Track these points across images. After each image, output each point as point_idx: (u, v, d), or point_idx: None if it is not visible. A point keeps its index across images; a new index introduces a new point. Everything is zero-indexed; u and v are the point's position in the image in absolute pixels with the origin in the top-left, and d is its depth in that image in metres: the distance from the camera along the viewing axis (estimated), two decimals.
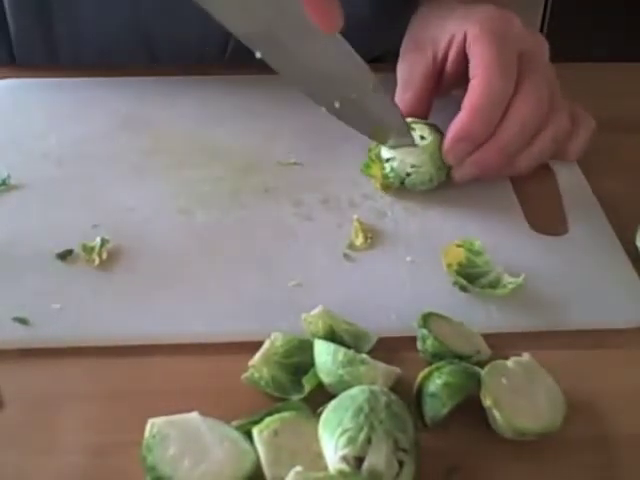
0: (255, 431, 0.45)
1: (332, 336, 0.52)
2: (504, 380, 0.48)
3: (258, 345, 0.51)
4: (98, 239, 0.59)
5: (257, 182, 0.66)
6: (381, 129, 0.62)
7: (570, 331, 0.55)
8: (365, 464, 0.43)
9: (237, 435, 0.46)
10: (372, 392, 0.45)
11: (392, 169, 0.64)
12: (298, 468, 0.43)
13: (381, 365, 0.49)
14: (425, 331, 0.51)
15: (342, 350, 0.49)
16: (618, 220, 0.63)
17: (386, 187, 0.65)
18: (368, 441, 0.43)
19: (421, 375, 0.49)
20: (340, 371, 0.48)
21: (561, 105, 0.64)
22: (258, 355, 0.50)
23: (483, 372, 0.49)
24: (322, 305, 0.53)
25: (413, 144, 0.63)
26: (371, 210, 0.64)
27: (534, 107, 0.62)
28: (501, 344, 0.53)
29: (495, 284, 0.56)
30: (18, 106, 0.75)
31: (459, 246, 0.58)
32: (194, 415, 0.46)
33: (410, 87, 0.66)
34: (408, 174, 0.63)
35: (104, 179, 0.66)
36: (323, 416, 0.45)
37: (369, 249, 0.60)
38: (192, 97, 0.76)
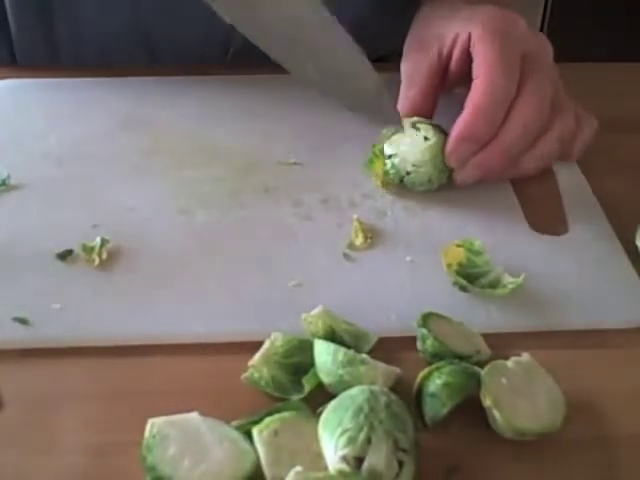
0: (255, 431, 0.45)
1: (332, 336, 0.52)
2: (504, 380, 0.48)
3: (258, 345, 0.51)
4: (98, 239, 0.59)
5: (257, 182, 0.66)
6: (359, 95, 0.62)
7: (570, 331, 0.55)
8: (365, 464, 0.43)
9: (237, 435, 0.46)
10: (372, 392, 0.45)
11: (393, 165, 0.64)
12: (298, 468, 0.43)
13: (381, 365, 0.49)
14: (425, 331, 0.51)
15: (342, 350, 0.49)
16: (618, 220, 0.63)
17: (386, 184, 0.65)
18: (368, 441, 0.43)
19: (421, 375, 0.49)
20: (340, 371, 0.48)
21: (566, 105, 0.64)
22: (258, 355, 0.50)
23: (483, 372, 0.49)
24: (322, 305, 0.53)
25: (395, 115, 0.63)
26: (371, 210, 0.64)
27: (536, 108, 0.61)
28: (501, 344, 0.53)
29: (495, 284, 0.56)
30: (18, 106, 0.75)
31: (459, 246, 0.58)
32: (194, 415, 0.46)
33: (415, 84, 0.66)
34: (408, 172, 0.63)
35: (104, 179, 0.66)
36: (323, 416, 0.45)
37: (369, 249, 0.60)
38: (192, 97, 0.76)
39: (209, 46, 0.81)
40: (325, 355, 0.49)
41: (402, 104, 0.66)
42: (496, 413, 0.47)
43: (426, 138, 0.63)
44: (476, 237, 0.59)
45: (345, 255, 0.59)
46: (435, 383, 0.48)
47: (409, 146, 0.63)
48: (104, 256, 0.58)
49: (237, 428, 0.46)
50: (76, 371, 0.51)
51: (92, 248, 0.58)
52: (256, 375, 0.50)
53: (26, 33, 0.80)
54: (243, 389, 0.50)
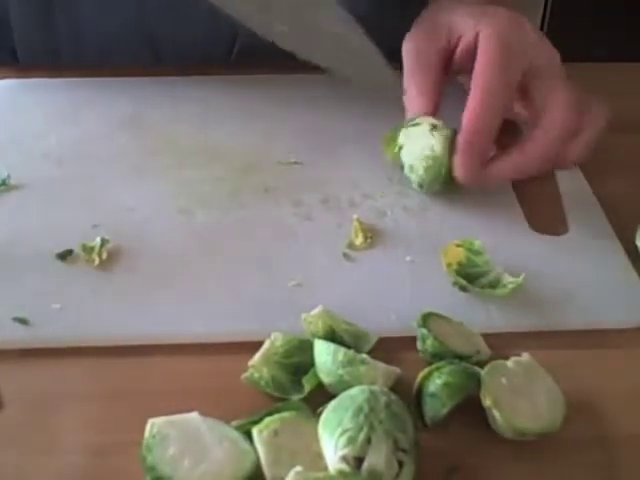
0: (255, 431, 0.45)
1: (332, 336, 0.52)
2: (504, 380, 0.48)
3: (258, 345, 0.51)
4: (98, 239, 0.59)
5: (257, 182, 0.66)
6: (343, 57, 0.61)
7: (570, 331, 0.55)
8: (365, 464, 0.43)
9: (237, 435, 0.46)
10: (372, 392, 0.45)
11: (399, 150, 0.64)
12: (298, 468, 0.43)
13: (381, 365, 0.49)
14: (425, 331, 0.51)
15: (342, 350, 0.49)
16: (618, 220, 0.63)
17: (395, 163, 0.66)
18: (368, 441, 0.43)
19: (421, 375, 0.49)
20: (340, 371, 0.48)
21: (593, 104, 0.64)
22: (258, 355, 0.50)
23: (483, 372, 0.49)
24: (322, 305, 0.53)
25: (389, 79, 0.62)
26: (371, 210, 0.64)
27: (566, 109, 0.61)
28: (501, 344, 0.53)
29: (495, 284, 0.56)
30: (18, 106, 0.75)
31: (459, 246, 0.58)
32: (194, 415, 0.46)
33: (424, 62, 0.66)
34: (405, 168, 0.64)
35: (104, 179, 0.66)
36: (323, 416, 0.45)
37: (369, 249, 0.60)
38: (192, 97, 0.76)
39: (213, 46, 0.81)
40: (325, 355, 0.49)
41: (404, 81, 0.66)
42: (496, 413, 0.47)
43: (432, 150, 0.62)
44: (476, 237, 0.59)
45: (345, 255, 0.59)
46: (435, 383, 0.48)
47: (414, 147, 0.63)
48: (104, 256, 0.58)
49: (237, 428, 0.46)
50: (76, 371, 0.51)
51: (92, 248, 0.58)
52: (256, 375, 0.50)
53: (27, 33, 0.80)
54: (243, 389, 0.50)
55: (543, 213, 0.64)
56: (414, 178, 0.64)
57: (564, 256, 0.60)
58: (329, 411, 0.45)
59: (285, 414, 0.46)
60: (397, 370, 0.50)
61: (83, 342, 0.53)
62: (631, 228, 0.61)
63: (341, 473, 0.43)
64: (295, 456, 0.44)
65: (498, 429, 0.48)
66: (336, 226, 0.62)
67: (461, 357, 0.50)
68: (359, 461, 0.43)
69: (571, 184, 0.67)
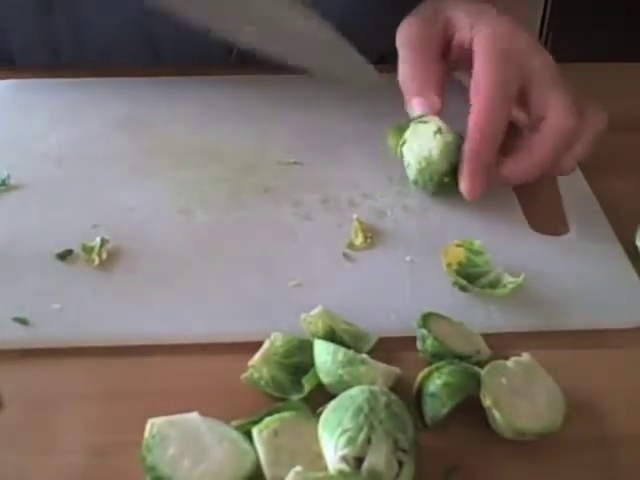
0: (255, 431, 0.45)
1: (332, 336, 0.52)
2: (504, 380, 0.48)
3: (258, 345, 0.51)
4: (98, 239, 0.59)
5: (257, 182, 0.66)
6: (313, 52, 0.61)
7: (570, 331, 0.55)
8: (365, 464, 0.43)
9: (237, 435, 0.46)
10: (372, 392, 0.45)
11: (403, 144, 0.64)
12: (298, 468, 0.43)
13: (381, 365, 0.49)
14: (425, 331, 0.51)
15: (342, 350, 0.49)
16: (618, 220, 0.63)
17: (395, 152, 0.66)
18: (368, 441, 0.43)
19: (421, 375, 0.49)
20: (340, 371, 0.48)
21: (590, 108, 0.64)
22: (258, 355, 0.50)
23: (483, 372, 0.49)
24: (322, 305, 0.53)
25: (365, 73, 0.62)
26: (371, 210, 0.64)
27: (566, 116, 0.61)
28: (501, 344, 0.53)
29: (495, 284, 0.56)
30: (18, 106, 0.75)
31: (459, 246, 0.58)
32: (194, 415, 0.46)
33: (424, 48, 0.65)
34: (405, 162, 0.65)
35: (104, 179, 0.66)
36: (323, 416, 0.45)
37: (369, 249, 0.60)
38: (192, 97, 0.76)
39: (213, 46, 0.81)
40: (325, 355, 0.49)
41: (402, 75, 0.65)
42: (496, 413, 0.47)
43: (430, 153, 0.62)
44: (476, 237, 0.59)
45: (345, 255, 0.59)
46: (435, 383, 0.48)
47: (416, 145, 0.63)
48: (104, 256, 0.58)
49: (237, 428, 0.46)
50: (76, 371, 0.51)
51: (92, 248, 0.58)
52: (256, 375, 0.50)
53: (27, 33, 0.80)
54: (243, 389, 0.50)
55: (543, 213, 0.64)
56: (410, 175, 0.65)
57: (564, 256, 0.60)
58: (329, 411, 0.45)
59: (285, 414, 0.46)
60: (397, 370, 0.50)
61: (83, 342, 0.53)
62: (631, 228, 0.61)
63: (341, 473, 0.43)
64: (295, 456, 0.44)
65: (498, 429, 0.48)
66: (336, 226, 0.62)
67: (461, 357, 0.50)
68: (359, 461, 0.43)
69: (571, 184, 0.67)
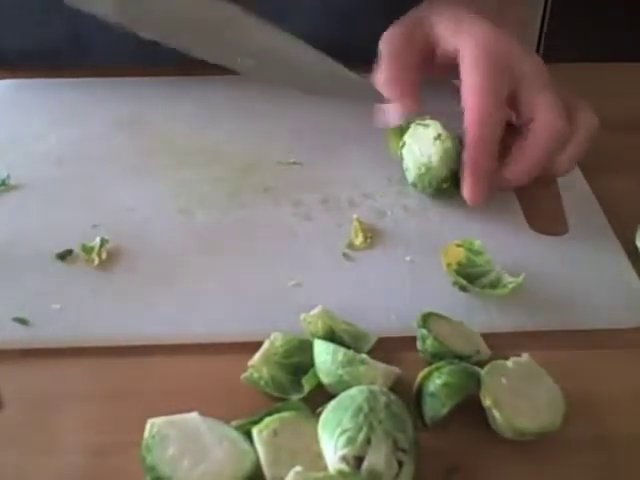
0: (255, 431, 0.45)
1: (331, 336, 0.52)
2: (504, 380, 0.48)
3: (258, 345, 0.51)
4: (98, 239, 0.59)
5: (257, 182, 0.66)
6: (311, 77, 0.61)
7: (570, 331, 0.55)
8: (365, 464, 0.43)
9: (237, 435, 0.46)
10: (371, 392, 0.45)
11: (402, 146, 0.64)
12: (298, 468, 0.43)
13: (381, 365, 0.49)
14: (425, 331, 0.51)
15: (342, 350, 0.49)
16: (618, 220, 0.63)
17: (394, 153, 0.66)
18: (367, 441, 0.43)
19: (421, 375, 0.49)
20: (340, 371, 0.48)
21: (582, 106, 0.64)
22: (258, 355, 0.50)
23: (483, 372, 0.49)
24: (322, 305, 0.53)
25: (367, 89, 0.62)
26: (371, 210, 0.64)
27: (555, 120, 0.62)
28: (501, 344, 0.53)
29: (495, 284, 0.56)
30: (18, 106, 0.75)
31: (459, 246, 0.58)
32: (194, 415, 0.46)
33: (403, 64, 0.65)
34: (404, 164, 0.65)
35: (104, 179, 0.66)
36: (322, 416, 0.45)
37: (369, 249, 0.60)
38: (192, 97, 0.76)
39: None
40: (325, 355, 0.49)
41: (382, 79, 0.65)
42: (496, 413, 0.47)
43: (429, 159, 0.62)
44: (476, 237, 0.59)
45: (345, 255, 0.59)
46: (435, 383, 0.48)
47: (415, 149, 0.63)
48: (104, 256, 0.58)
49: (237, 428, 0.46)
50: (76, 371, 0.51)
51: (92, 248, 0.58)
52: (256, 375, 0.50)
53: (27, 33, 0.80)
54: (243, 389, 0.50)
55: (543, 213, 0.64)
56: (409, 178, 0.65)
57: (564, 256, 0.60)
58: (329, 411, 0.45)
59: (285, 414, 0.46)
60: (397, 370, 0.50)
61: (83, 342, 0.53)
62: (631, 228, 0.61)
63: (341, 473, 0.43)
64: (295, 456, 0.44)
65: (498, 429, 0.48)
66: (336, 226, 0.62)
67: (461, 357, 0.50)
68: (359, 461, 0.43)
69: (571, 184, 0.67)
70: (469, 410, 0.48)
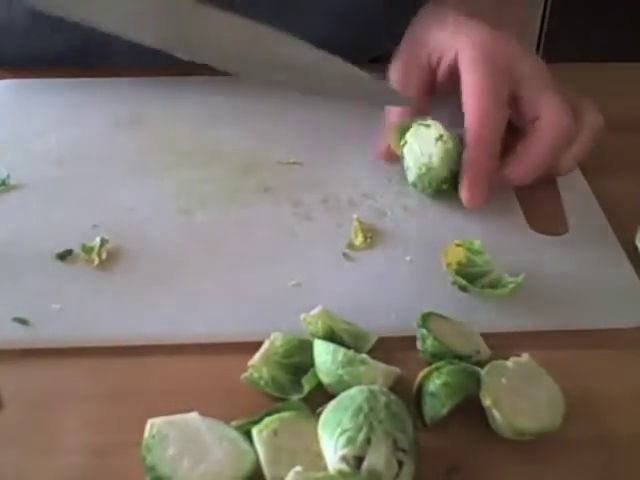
0: (255, 431, 0.45)
1: (332, 336, 0.52)
2: (504, 380, 0.48)
3: (258, 345, 0.51)
4: (98, 239, 0.59)
5: (257, 182, 0.66)
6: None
7: (570, 331, 0.55)
8: (364, 464, 0.43)
9: (236, 435, 0.46)
10: (371, 392, 0.45)
11: (404, 144, 0.64)
12: (298, 468, 0.43)
13: (381, 365, 0.49)
14: (425, 331, 0.51)
15: (342, 350, 0.49)
16: (618, 220, 0.63)
17: (395, 151, 0.66)
18: (367, 441, 0.43)
19: (421, 375, 0.49)
20: (340, 371, 0.48)
21: (587, 104, 0.64)
22: (258, 355, 0.50)
23: (483, 372, 0.49)
24: (322, 305, 0.53)
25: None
26: (371, 210, 0.64)
27: (560, 119, 0.62)
28: (501, 344, 0.53)
29: (495, 284, 0.56)
30: (18, 106, 0.75)
31: (459, 245, 0.58)
32: (194, 415, 0.46)
33: (407, 90, 0.66)
34: (405, 164, 0.65)
35: (104, 179, 0.66)
36: (322, 416, 0.45)
37: (369, 249, 0.60)
38: (192, 97, 0.76)
39: None
40: (325, 355, 0.49)
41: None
42: (496, 413, 0.47)
43: (430, 159, 0.62)
44: (476, 237, 0.59)
45: (345, 255, 0.59)
46: (435, 383, 0.48)
47: (417, 148, 0.63)
48: (104, 256, 0.58)
49: (237, 428, 0.46)
50: (76, 371, 0.51)
51: (92, 248, 0.58)
52: (256, 375, 0.50)
53: (27, 33, 0.80)
54: (243, 389, 0.50)
55: (543, 213, 0.64)
56: (409, 178, 0.65)
57: (564, 256, 0.60)
58: (329, 411, 0.45)
59: (285, 414, 0.46)
60: (397, 370, 0.50)
61: (83, 342, 0.53)
62: (631, 228, 0.61)
63: (341, 473, 0.43)
64: (295, 456, 0.44)
65: (498, 429, 0.48)
66: (336, 226, 0.62)
67: (461, 357, 0.50)
68: (359, 461, 0.43)
69: (571, 184, 0.67)
70: (469, 410, 0.48)
